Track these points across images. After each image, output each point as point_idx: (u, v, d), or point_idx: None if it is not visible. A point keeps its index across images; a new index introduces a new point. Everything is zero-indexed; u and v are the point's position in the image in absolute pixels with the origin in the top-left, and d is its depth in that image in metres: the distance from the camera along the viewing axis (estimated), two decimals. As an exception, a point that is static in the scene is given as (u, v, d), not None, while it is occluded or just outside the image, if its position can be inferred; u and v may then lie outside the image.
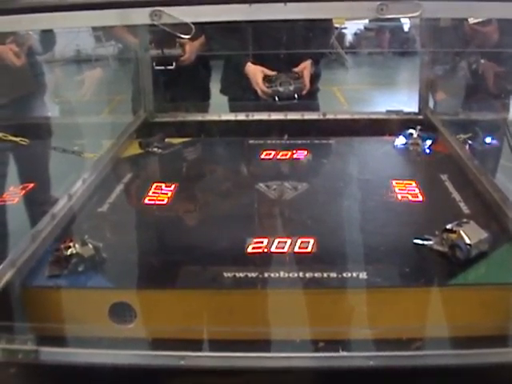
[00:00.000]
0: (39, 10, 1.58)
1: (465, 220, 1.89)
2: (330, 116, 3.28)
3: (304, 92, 3.28)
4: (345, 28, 10.45)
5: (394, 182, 2.38)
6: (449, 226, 1.84)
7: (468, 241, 1.77)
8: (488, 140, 3.02)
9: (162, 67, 3.38)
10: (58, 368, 1.51)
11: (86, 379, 1.53)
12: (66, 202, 2.19)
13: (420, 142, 2.82)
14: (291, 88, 3.24)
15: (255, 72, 3.28)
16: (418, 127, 2.88)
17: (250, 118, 3.23)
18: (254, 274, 1.74)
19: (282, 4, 1.51)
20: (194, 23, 1.53)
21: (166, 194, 2.33)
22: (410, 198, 2.28)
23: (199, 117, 3.33)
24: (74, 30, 3.76)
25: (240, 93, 3.44)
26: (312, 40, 3.34)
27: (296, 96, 3.24)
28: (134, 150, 2.88)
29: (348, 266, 1.77)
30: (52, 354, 1.51)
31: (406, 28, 9.57)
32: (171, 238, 2.08)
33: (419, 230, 1.95)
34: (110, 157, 2.70)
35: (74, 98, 4.97)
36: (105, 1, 1.57)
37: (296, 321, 1.66)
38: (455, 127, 3.04)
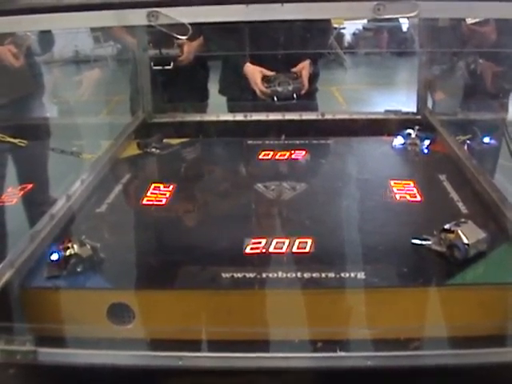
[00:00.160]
0: (37, 10, 1.58)
1: (463, 220, 1.89)
2: (328, 116, 3.28)
3: (303, 92, 3.27)
4: (343, 28, 10.47)
5: (392, 182, 2.38)
6: (447, 226, 1.84)
7: (466, 241, 1.77)
8: (486, 140, 3.02)
9: (160, 67, 3.38)
10: (57, 369, 1.51)
11: (85, 380, 1.53)
12: (64, 203, 2.19)
13: (418, 142, 2.82)
14: (290, 88, 3.24)
15: (254, 72, 3.28)
16: (417, 127, 2.89)
17: (249, 118, 3.23)
18: (252, 275, 1.74)
19: (279, 4, 1.51)
20: (191, 24, 1.53)
21: (165, 194, 2.33)
22: (408, 198, 2.28)
23: (197, 117, 3.32)
24: (72, 30, 3.76)
25: (239, 93, 3.44)
26: (310, 40, 3.34)
27: (295, 96, 3.24)
28: (133, 150, 2.88)
29: (346, 266, 1.77)
30: (50, 354, 1.51)
31: (404, 28, 9.56)
32: (169, 239, 2.08)
33: (417, 229, 1.95)
34: (108, 157, 2.70)
35: (73, 99, 4.97)
36: (102, 2, 1.57)
37: (294, 321, 1.66)
38: (453, 127, 3.04)
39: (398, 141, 2.86)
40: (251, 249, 1.89)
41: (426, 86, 3.35)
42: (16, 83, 3.36)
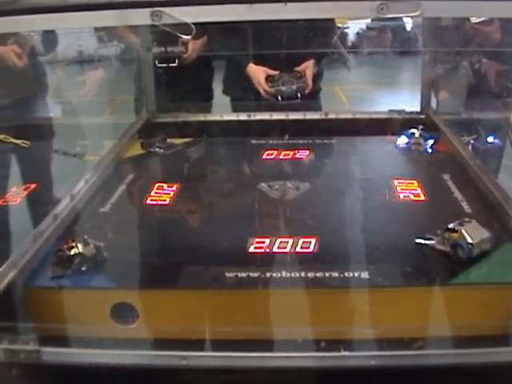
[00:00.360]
0: (40, 10, 1.58)
1: (467, 219, 1.88)
2: (332, 116, 3.27)
3: (306, 91, 3.28)
4: (347, 28, 10.45)
5: (396, 182, 2.38)
6: (451, 226, 1.83)
7: (470, 240, 1.77)
8: (490, 139, 3.02)
9: (165, 65, 3.37)
10: (60, 368, 1.51)
11: (88, 379, 1.53)
12: (68, 203, 2.19)
13: (422, 141, 2.82)
14: (294, 87, 3.24)
15: (257, 72, 3.28)
16: (420, 127, 2.88)
17: (252, 118, 3.23)
18: (255, 274, 1.74)
19: (282, 4, 1.51)
20: (194, 23, 1.53)
21: (168, 194, 2.34)
22: (411, 197, 2.28)
23: (201, 117, 3.32)
24: (76, 30, 3.76)
25: (242, 93, 3.44)
26: (314, 40, 3.34)
27: (298, 96, 3.24)
28: (136, 150, 2.89)
29: (350, 265, 1.77)
30: (54, 354, 1.51)
31: (408, 27, 9.55)
32: (173, 238, 2.08)
33: (421, 229, 1.95)
34: (112, 157, 2.70)
35: (76, 99, 4.97)
36: (105, 2, 1.57)
37: (298, 321, 1.66)
38: (457, 127, 3.04)
39: (402, 140, 2.86)
40: (255, 248, 1.89)
41: (429, 85, 3.35)
42: (19, 83, 3.36)
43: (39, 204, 2.77)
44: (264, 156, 2.77)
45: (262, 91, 3.26)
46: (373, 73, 10.55)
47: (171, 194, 2.33)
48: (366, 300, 1.69)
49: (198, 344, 1.60)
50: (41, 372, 1.54)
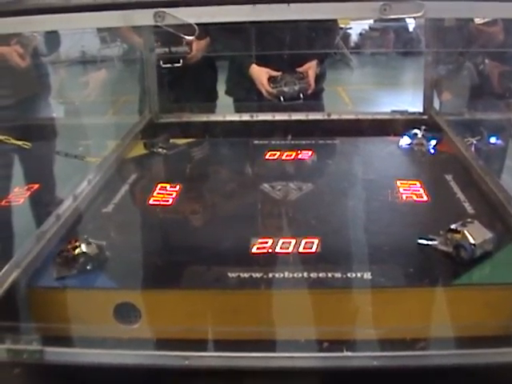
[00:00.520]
0: (44, 11, 1.59)
1: (469, 220, 1.89)
2: (334, 116, 3.27)
3: (309, 92, 3.28)
4: (350, 28, 10.45)
5: (398, 182, 2.38)
6: (453, 226, 1.84)
7: (472, 241, 1.77)
8: (493, 140, 3.02)
9: (170, 65, 3.37)
10: (63, 368, 1.51)
11: (91, 379, 1.53)
12: (70, 203, 2.20)
13: (425, 142, 2.81)
14: (296, 88, 3.24)
15: (260, 73, 3.28)
16: (423, 127, 2.88)
17: (255, 118, 3.23)
18: (258, 275, 1.74)
19: (285, 5, 1.51)
20: (197, 24, 1.53)
21: (171, 194, 2.34)
22: (414, 198, 2.27)
23: (204, 117, 3.32)
24: (79, 31, 3.76)
25: (245, 94, 3.44)
26: (317, 40, 3.34)
27: (301, 96, 3.24)
28: (139, 150, 2.89)
29: (352, 266, 1.77)
30: (57, 354, 1.51)
31: (410, 28, 9.54)
32: (176, 239, 2.09)
33: (424, 230, 1.95)
34: (114, 157, 2.71)
35: (79, 99, 4.97)
36: (108, 2, 1.58)
37: (300, 321, 1.66)
38: (460, 127, 3.04)
39: (405, 141, 2.86)
40: (258, 249, 1.89)
41: (432, 86, 3.35)
42: (22, 84, 3.36)
43: (42, 204, 2.78)
44: (267, 156, 2.77)
45: (264, 92, 3.26)
46: (375, 73, 10.55)
47: (174, 195, 2.33)
48: (369, 300, 1.69)
49: (200, 344, 1.61)
50: (44, 372, 1.54)
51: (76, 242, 1.81)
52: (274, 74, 3.26)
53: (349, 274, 1.73)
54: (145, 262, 1.86)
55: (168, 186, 2.39)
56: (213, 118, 3.37)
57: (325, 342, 1.60)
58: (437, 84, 3.47)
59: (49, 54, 3.56)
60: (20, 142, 2.99)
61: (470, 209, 2.16)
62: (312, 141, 2.94)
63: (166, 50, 3.36)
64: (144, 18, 1.57)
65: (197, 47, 3.45)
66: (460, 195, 2.27)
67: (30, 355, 1.50)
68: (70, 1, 1.75)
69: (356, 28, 11.04)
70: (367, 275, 1.73)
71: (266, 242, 1.91)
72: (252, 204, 2.30)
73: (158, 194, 2.34)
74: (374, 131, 3.05)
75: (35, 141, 3.07)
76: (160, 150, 2.84)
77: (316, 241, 1.90)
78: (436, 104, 3.44)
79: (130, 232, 2.10)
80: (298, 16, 1.57)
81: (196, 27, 1.53)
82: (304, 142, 2.92)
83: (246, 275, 1.74)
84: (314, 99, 3.42)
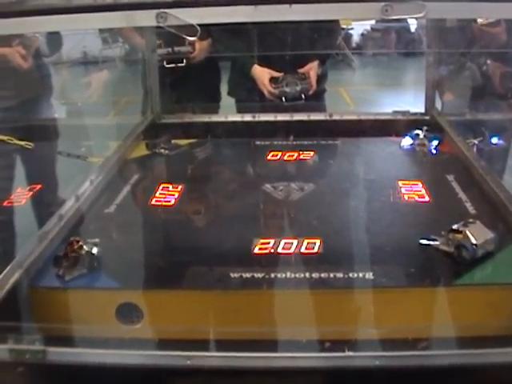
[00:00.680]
0: (46, 12, 1.59)
1: (471, 220, 1.89)
2: (336, 117, 3.27)
3: (311, 93, 3.28)
4: (351, 29, 10.44)
5: (400, 183, 2.38)
6: (455, 227, 1.84)
7: (474, 241, 1.77)
8: (495, 140, 3.02)
9: (173, 65, 3.37)
10: (66, 368, 1.51)
11: (93, 379, 1.53)
12: (73, 203, 2.20)
13: (426, 142, 2.82)
14: (298, 89, 3.24)
15: (262, 73, 3.28)
16: (425, 128, 2.88)
17: (257, 119, 3.23)
18: (260, 275, 1.75)
19: (287, 5, 1.51)
20: (199, 25, 1.53)
21: (173, 195, 2.34)
22: (416, 198, 2.28)
23: (206, 118, 3.32)
24: (80, 31, 3.76)
25: (247, 94, 3.44)
26: (318, 41, 3.34)
27: (303, 97, 3.24)
28: (141, 151, 2.89)
29: (354, 266, 1.77)
30: (59, 354, 1.51)
31: (412, 29, 9.54)
32: (178, 239, 2.09)
33: (425, 230, 1.95)
34: (116, 158, 2.71)
35: (81, 100, 4.97)
36: (111, 3, 1.58)
37: (302, 321, 1.66)
38: (462, 128, 3.04)
39: (406, 141, 2.86)
40: (260, 249, 1.89)
41: (434, 86, 3.35)
42: (24, 84, 3.37)
43: (44, 205, 2.78)
44: (268, 157, 2.77)
45: (266, 93, 3.26)
46: (377, 74, 10.53)
47: (176, 195, 2.34)
48: (371, 300, 1.69)
49: (202, 344, 1.61)
50: (46, 372, 1.54)
51: (78, 242, 1.81)
52: (276, 74, 3.26)
53: (351, 274, 1.74)
54: (147, 262, 1.86)
55: (170, 186, 2.40)
56: (215, 118, 3.36)
57: (327, 342, 1.60)
58: (439, 85, 3.46)
59: (51, 54, 3.57)
60: (22, 143, 2.99)
61: (471, 209, 2.16)
62: (314, 141, 2.95)
63: (169, 50, 3.36)
64: (146, 18, 1.57)
65: (200, 46, 3.45)
66: (462, 195, 2.28)
67: (32, 355, 1.50)
68: (71, 2, 1.75)
69: (358, 28, 11.03)
70: (369, 275, 1.73)
71: (268, 243, 1.91)
72: (254, 204, 2.30)
73: (160, 194, 2.34)
74: (376, 132, 3.04)
75: (37, 141, 3.07)
76: (162, 150, 2.84)
77: (318, 241, 1.90)
78: (438, 105, 3.44)
79: (132, 232, 2.11)
80: (300, 17, 1.57)
81: (198, 28, 1.53)
82: (306, 143, 2.92)
83: (248, 275, 1.74)
84: (315, 100, 3.43)
